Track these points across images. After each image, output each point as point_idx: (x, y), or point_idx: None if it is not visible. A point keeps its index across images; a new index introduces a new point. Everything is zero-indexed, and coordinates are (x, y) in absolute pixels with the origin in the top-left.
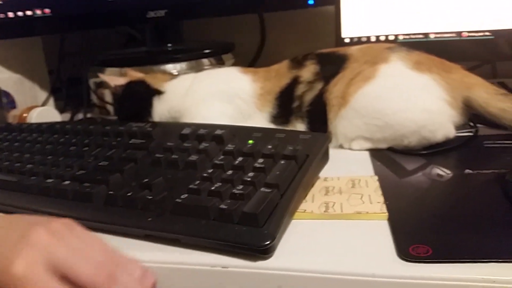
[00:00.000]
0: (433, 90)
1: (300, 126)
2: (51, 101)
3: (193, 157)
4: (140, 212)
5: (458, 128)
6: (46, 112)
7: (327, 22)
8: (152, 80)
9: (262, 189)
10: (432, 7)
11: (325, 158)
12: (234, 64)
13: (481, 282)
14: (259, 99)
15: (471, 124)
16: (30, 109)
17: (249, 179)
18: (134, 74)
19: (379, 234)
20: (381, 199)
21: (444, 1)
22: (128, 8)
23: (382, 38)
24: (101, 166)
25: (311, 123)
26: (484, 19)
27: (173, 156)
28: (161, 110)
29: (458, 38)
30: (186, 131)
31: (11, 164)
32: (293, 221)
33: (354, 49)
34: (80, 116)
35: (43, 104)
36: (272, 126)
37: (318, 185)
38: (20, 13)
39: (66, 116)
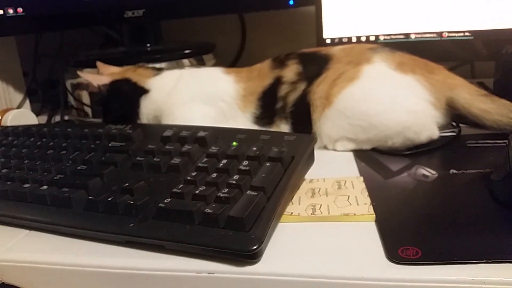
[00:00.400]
0: (416, 91)
1: (284, 127)
2: (27, 104)
3: (176, 160)
4: (121, 218)
5: (441, 128)
6: (21, 115)
7: (307, 22)
8: (136, 77)
9: (248, 192)
10: (413, 8)
11: (310, 159)
12: (215, 65)
13: (471, 283)
14: (242, 100)
15: (454, 124)
16: (4, 111)
17: (234, 182)
18: (110, 69)
19: (367, 236)
20: (368, 200)
21: (425, 2)
22: (105, 7)
23: (363, 38)
24: (79, 170)
25: (295, 124)
26: (464, 20)
27: (155, 159)
28: (147, 110)
29: (438, 39)
30: (167, 133)
31: None
32: (280, 224)
33: (336, 49)
34: (57, 118)
35: (19, 106)
36: (255, 127)
37: (304, 187)
38: None
39: (43, 119)
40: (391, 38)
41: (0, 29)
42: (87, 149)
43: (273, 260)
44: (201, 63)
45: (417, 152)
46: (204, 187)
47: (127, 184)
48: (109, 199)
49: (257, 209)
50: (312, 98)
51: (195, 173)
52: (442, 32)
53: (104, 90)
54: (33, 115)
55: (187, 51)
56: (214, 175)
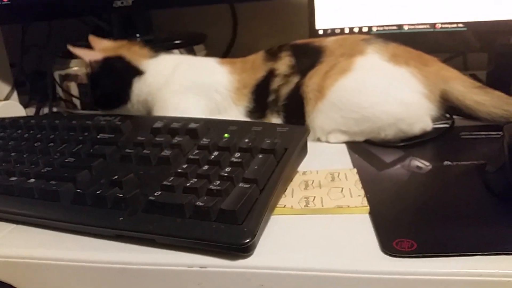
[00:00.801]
0: (410, 83)
1: (276, 120)
2: (15, 95)
3: (166, 152)
4: (110, 211)
5: (434, 119)
6: (8, 107)
7: (300, 13)
8: (131, 55)
9: (240, 184)
10: None
11: (303, 151)
12: (206, 56)
13: (467, 276)
14: (236, 93)
15: (447, 115)
16: None
17: (226, 174)
18: (102, 43)
19: (361, 229)
20: (362, 192)
21: None
22: None
23: (356, 30)
24: (67, 163)
25: (287, 118)
26: (457, 11)
27: (145, 151)
28: (140, 92)
29: (432, 30)
30: (158, 124)
31: None
32: (272, 217)
33: (329, 40)
34: (45, 110)
35: (6, 98)
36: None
37: (297, 179)
38: None
39: (31, 111)
40: (384, 29)
41: None
42: (75, 141)
43: (266, 254)
44: (191, 54)
45: (410, 143)
46: (195, 180)
47: (116, 176)
48: (97, 192)
49: (249, 201)
50: (305, 91)
51: (186, 165)
52: (435, 24)
53: (96, 66)
54: (21, 107)
55: (177, 42)
56: (206, 167)
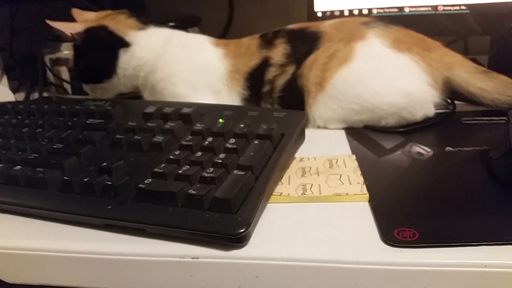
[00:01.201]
0: (413, 72)
1: None
2: (5, 80)
3: (158, 138)
4: (98, 199)
5: (436, 105)
6: None
7: None
8: (115, 25)
9: (235, 171)
10: None
11: (301, 137)
12: None
13: (471, 267)
14: (230, 76)
15: (448, 100)
16: None
17: (220, 161)
18: (84, 15)
19: (360, 217)
20: (361, 179)
21: None
22: None
23: (356, 12)
24: (55, 149)
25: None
26: None
27: (136, 137)
28: (126, 65)
29: (433, 12)
30: (149, 109)
31: None
32: (268, 205)
33: (327, 25)
34: (35, 95)
35: None
36: None
37: (294, 166)
38: None
39: (21, 96)
40: (384, 12)
41: None
42: (64, 127)
43: (261, 244)
44: None
45: (410, 129)
46: (188, 167)
47: (105, 163)
48: (85, 179)
49: (244, 189)
50: (306, 84)
51: (178, 151)
52: (437, 6)
53: (79, 39)
54: (10, 93)
55: (171, 24)
56: (199, 153)
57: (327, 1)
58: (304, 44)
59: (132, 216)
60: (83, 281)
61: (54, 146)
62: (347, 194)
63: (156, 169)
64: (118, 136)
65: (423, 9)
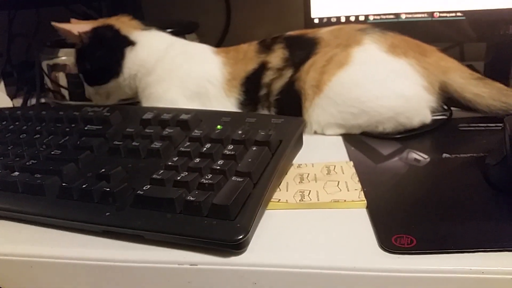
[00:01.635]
0: (409, 75)
1: None
2: (2, 86)
3: (156, 144)
4: (97, 206)
5: (432, 111)
6: None
7: (295, 1)
8: (120, 24)
9: (233, 178)
10: None
11: (299, 143)
12: None
13: (469, 273)
14: (227, 84)
15: (445, 107)
16: None
17: (218, 167)
18: (87, 24)
19: (358, 224)
20: (358, 186)
21: None
22: None
23: (352, 18)
24: (53, 155)
25: (279, 113)
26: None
27: (134, 144)
28: (132, 65)
29: (429, 19)
30: (147, 116)
31: None
32: (267, 212)
33: (324, 32)
34: (33, 101)
35: None
36: None
37: (292, 172)
38: None
39: (18, 102)
40: (381, 18)
41: None
42: (62, 133)
43: (259, 250)
44: None
45: (408, 135)
46: (186, 173)
47: (103, 170)
48: (83, 186)
49: (242, 196)
50: (303, 87)
51: (176, 158)
52: (433, 12)
53: (86, 38)
54: (8, 99)
55: (169, 30)
56: (197, 160)
57: (324, 7)
58: (302, 49)
59: (130, 223)
60: (81, 287)
61: (52, 153)
62: (344, 200)
63: (154, 176)
64: (116, 142)
65: (419, 15)
